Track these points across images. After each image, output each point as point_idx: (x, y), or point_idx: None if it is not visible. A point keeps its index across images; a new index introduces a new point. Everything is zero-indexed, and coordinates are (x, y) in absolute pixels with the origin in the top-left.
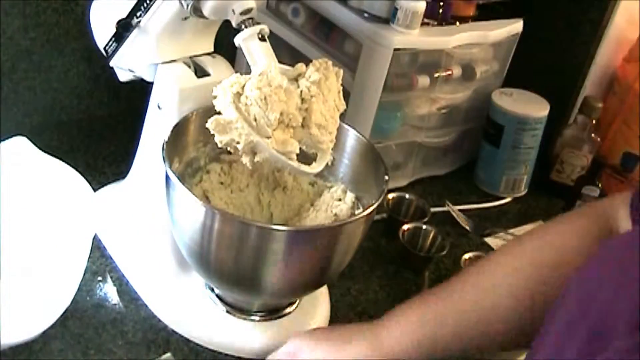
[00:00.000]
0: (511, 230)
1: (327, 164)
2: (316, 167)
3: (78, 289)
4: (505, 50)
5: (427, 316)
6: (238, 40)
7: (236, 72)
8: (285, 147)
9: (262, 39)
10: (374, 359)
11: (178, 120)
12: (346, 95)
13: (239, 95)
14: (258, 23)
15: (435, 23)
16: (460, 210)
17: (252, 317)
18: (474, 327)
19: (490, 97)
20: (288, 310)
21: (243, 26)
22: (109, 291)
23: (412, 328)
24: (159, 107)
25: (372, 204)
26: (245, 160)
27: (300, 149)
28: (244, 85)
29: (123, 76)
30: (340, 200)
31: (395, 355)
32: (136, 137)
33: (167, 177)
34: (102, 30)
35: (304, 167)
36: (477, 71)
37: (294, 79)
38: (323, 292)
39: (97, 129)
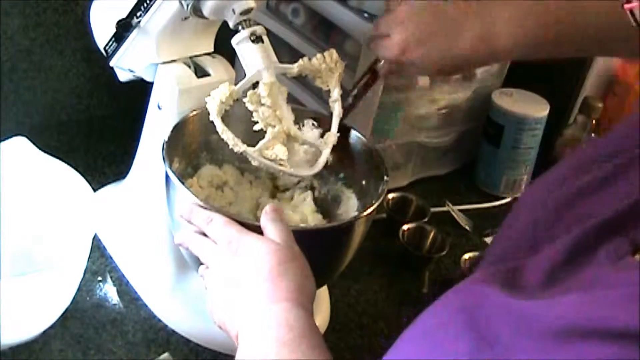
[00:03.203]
0: None
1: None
2: (311, 170)
3: (78, 289)
4: None
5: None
6: (233, 43)
7: (236, 72)
8: (272, 154)
9: (257, 40)
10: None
11: (178, 120)
12: (346, 94)
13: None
14: (257, 23)
15: None
16: (460, 210)
17: None
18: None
19: (490, 97)
20: None
21: (240, 27)
22: (109, 291)
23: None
24: (159, 107)
25: (372, 204)
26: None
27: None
28: (230, 95)
29: (123, 76)
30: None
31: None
32: (136, 137)
33: (167, 177)
34: (102, 30)
35: (298, 171)
36: (477, 71)
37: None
38: (323, 292)
39: (97, 129)
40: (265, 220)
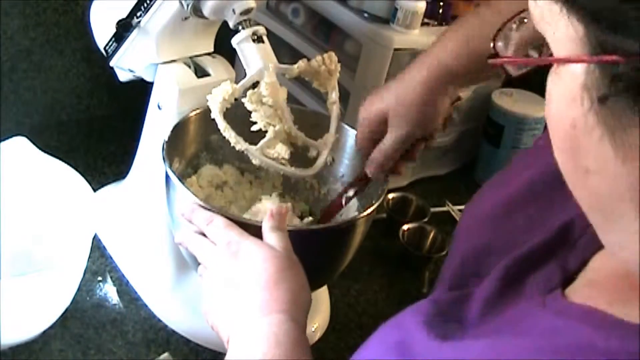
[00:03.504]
0: None
1: (326, 164)
2: (311, 170)
3: (78, 289)
4: None
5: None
6: (233, 42)
7: (236, 72)
8: (274, 153)
9: (258, 40)
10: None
11: (178, 120)
12: (346, 95)
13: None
14: (257, 23)
15: (435, 23)
16: (460, 210)
17: None
18: None
19: (490, 97)
20: None
21: (240, 27)
22: (109, 291)
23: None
24: (159, 107)
25: (372, 204)
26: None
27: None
28: (232, 93)
29: (123, 76)
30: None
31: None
32: (136, 137)
33: (167, 177)
34: (102, 30)
35: (298, 170)
36: None
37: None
38: (323, 292)
39: (97, 129)
40: (267, 226)
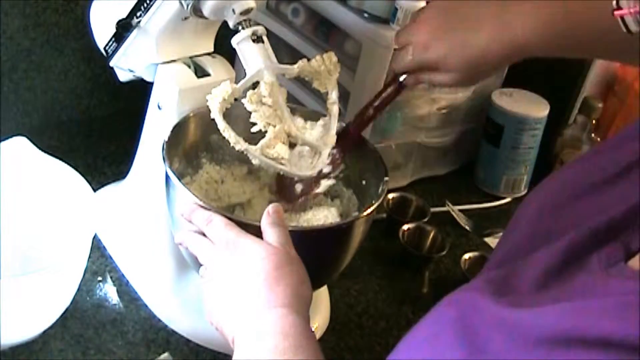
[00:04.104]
0: None
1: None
2: (311, 170)
3: (78, 289)
4: None
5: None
6: (233, 42)
7: (236, 72)
8: (274, 153)
9: (257, 40)
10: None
11: (178, 120)
12: (346, 95)
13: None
14: (257, 23)
15: None
16: (460, 210)
17: None
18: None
19: (490, 97)
20: None
21: (240, 27)
22: (109, 291)
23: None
24: (159, 107)
25: (372, 204)
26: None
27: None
28: (232, 93)
29: (123, 76)
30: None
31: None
32: (136, 137)
33: (167, 177)
34: (102, 30)
35: (298, 171)
36: None
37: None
38: (323, 292)
39: (97, 129)
40: (265, 223)
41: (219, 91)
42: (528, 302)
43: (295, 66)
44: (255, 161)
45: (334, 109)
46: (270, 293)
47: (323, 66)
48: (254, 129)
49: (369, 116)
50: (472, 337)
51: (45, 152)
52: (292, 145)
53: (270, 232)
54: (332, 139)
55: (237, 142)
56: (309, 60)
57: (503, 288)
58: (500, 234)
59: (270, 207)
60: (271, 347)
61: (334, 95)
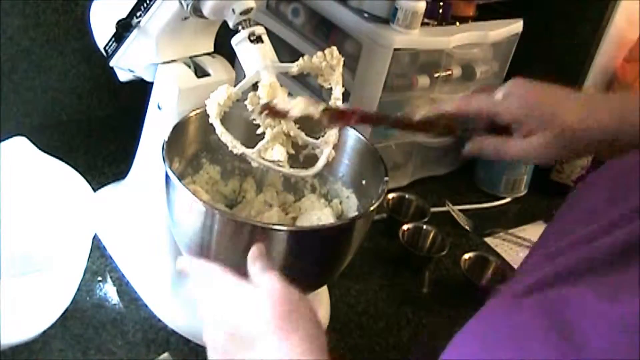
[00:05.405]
0: (511, 230)
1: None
2: (312, 170)
3: (78, 289)
4: (505, 50)
5: None
6: (233, 43)
7: (236, 72)
8: (271, 155)
9: (256, 40)
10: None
11: (178, 120)
12: (346, 95)
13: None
14: (257, 23)
15: (435, 23)
16: (460, 210)
17: None
18: None
19: None
20: None
21: (240, 27)
22: (109, 291)
23: None
24: (159, 107)
25: (372, 204)
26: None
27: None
28: (228, 98)
29: (123, 76)
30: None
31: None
32: (136, 137)
33: (167, 177)
34: (102, 30)
35: (298, 171)
36: (477, 71)
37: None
38: (323, 292)
39: (97, 129)
40: (256, 270)
41: (215, 96)
42: (624, 289)
43: (296, 64)
44: (253, 164)
45: (338, 105)
46: (289, 345)
47: (325, 62)
48: (259, 131)
49: (379, 120)
50: (567, 332)
51: (45, 152)
52: (295, 145)
53: (264, 278)
54: (334, 137)
55: (234, 146)
56: (310, 57)
57: (584, 272)
58: (500, 233)
59: (254, 251)
60: None
61: (337, 92)
